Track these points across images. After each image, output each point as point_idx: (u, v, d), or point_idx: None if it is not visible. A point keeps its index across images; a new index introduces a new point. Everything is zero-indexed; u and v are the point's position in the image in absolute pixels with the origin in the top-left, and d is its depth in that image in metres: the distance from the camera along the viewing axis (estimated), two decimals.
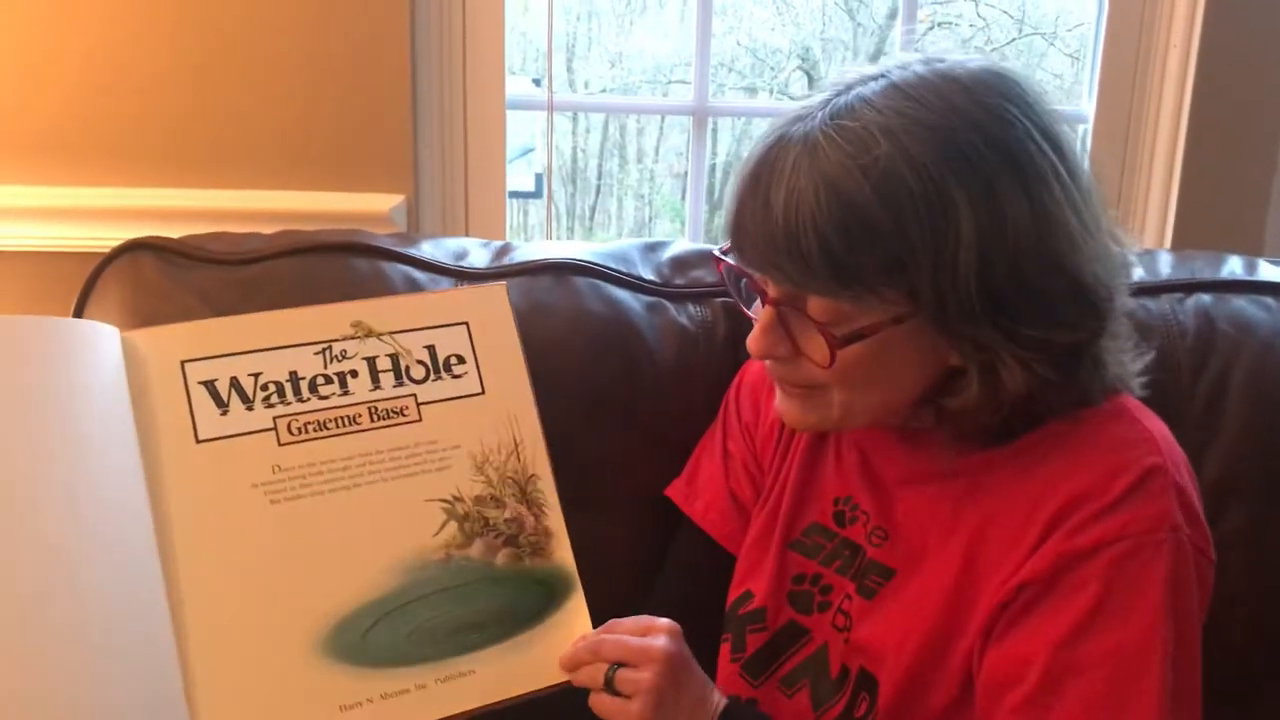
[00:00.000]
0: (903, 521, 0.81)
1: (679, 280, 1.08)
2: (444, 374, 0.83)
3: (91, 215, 1.22)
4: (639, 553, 0.99)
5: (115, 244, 1.04)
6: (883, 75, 0.72)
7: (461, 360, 0.84)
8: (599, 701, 0.76)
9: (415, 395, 0.82)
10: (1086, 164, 0.74)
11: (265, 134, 1.24)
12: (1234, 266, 1.07)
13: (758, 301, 0.79)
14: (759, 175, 0.72)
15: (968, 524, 0.76)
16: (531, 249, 1.07)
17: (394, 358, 0.83)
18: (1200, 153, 1.35)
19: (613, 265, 1.06)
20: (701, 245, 1.13)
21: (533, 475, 0.83)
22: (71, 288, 1.03)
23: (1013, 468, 0.76)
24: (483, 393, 0.84)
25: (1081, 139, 1.41)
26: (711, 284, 1.08)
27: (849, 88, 0.72)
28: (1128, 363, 0.79)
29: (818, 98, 0.73)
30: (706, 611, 0.91)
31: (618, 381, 1.01)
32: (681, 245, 1.13)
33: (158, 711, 0.69)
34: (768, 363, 0.78)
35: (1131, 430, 0.74)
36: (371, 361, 0.82)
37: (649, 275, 1.08)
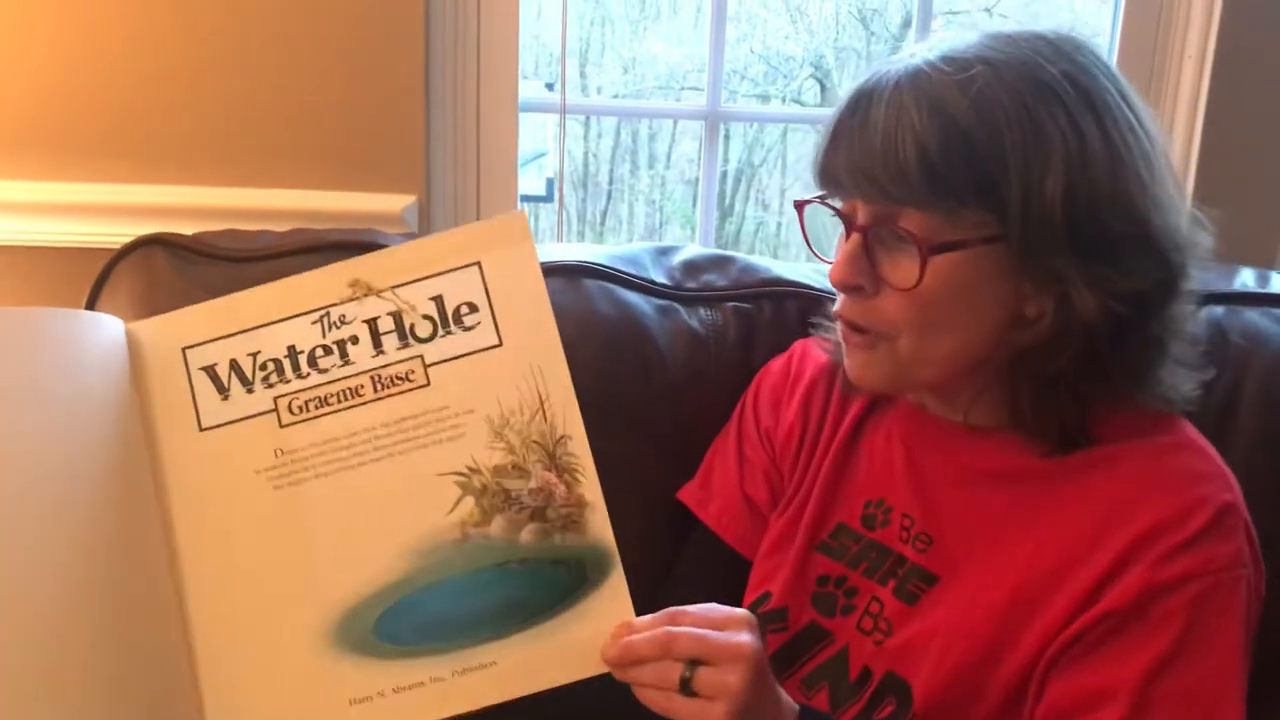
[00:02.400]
0: (949, 525, 0.81)
1: (690, 284, 1.08)
2: (454, 327, 0.74)
3: (104, 211, 1.23)
4: (649, 555, 0.98)
5: (127, 240, 1.05)
6: (973, 27, 0.77)
7: (474, 309, 0.75)
8: (672, 703, 0.68)
9: (422, 356, 0.74)
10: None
11: (278, 132, 1.25)
12: (1246, 278, 1.07)
13: (837, 244, 0.80)
14: (858, 101, 0.75)
15: (1022, 535, 0.77)
16: (543, 251, 1.07)
17: (396, 316, 0.74)
18: (1214, 164, 1.35)
19: (624, 268, 1.06)
20: (713, 250, 1.13)
21: (563, 437, 0.73)
22: (84, 283, 1.03)
23: (1073, 484, 0.76)
24: (500, 344, 0.74)
25: None
26: (723, 288, 1.08)
27: (944, 40, 0.76)
28: (1184, 377, 0.79)
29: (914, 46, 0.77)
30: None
31: (629, 385, 1.01)
32: (693, 249, 1.13)
33: (163, 706, 0.68)
34: (842, 305, 0.78)
35: (1207, 464, 0.75)
36: (373, 324, 0.74)
37: (660, 278, 1.08)
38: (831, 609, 0.85)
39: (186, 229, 1.06)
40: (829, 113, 0.78)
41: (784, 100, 3.49)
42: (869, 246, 0.75)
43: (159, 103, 1.24)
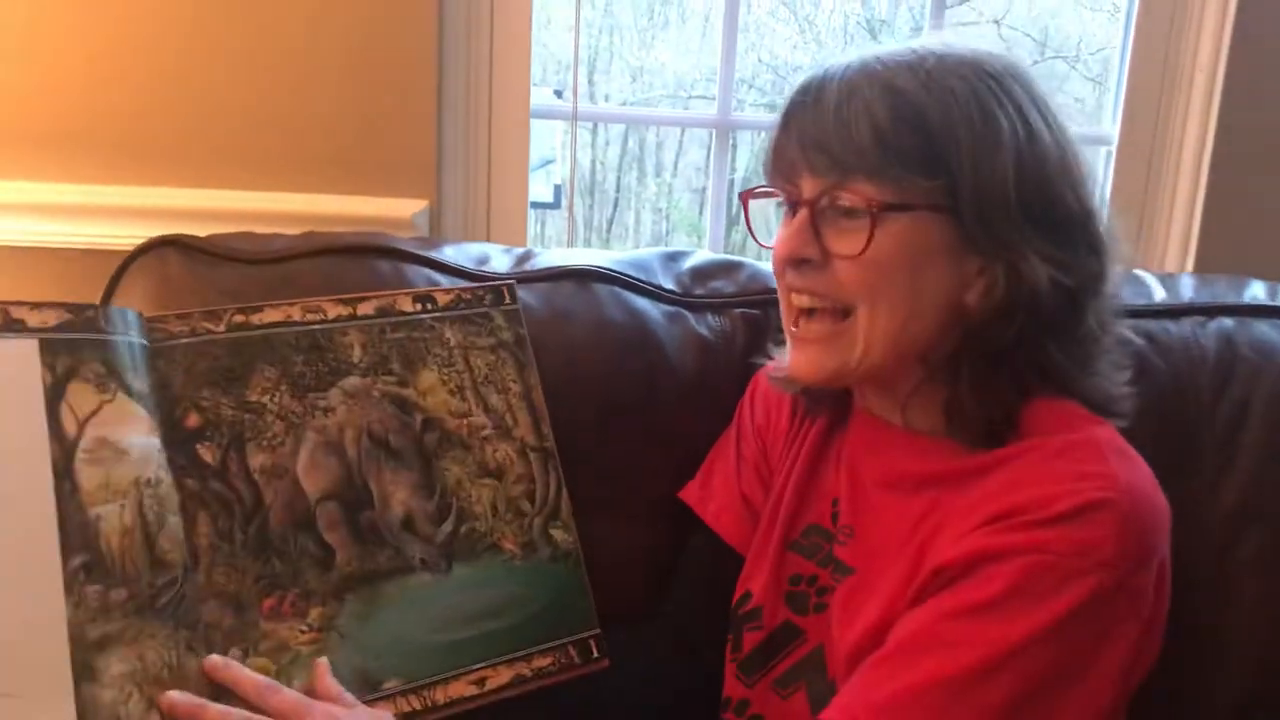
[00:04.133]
0: (870, 523, 0.83)
1: (699, 290, 1.08)
2: None
3: (117, 213, 1.23)
4: (653, 556, 1.00)
5: (138, 242, 1.05)
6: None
7: None
8: None
9: None
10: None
11: (292, 136, 1.25)
12: (1256, 291, 1.07)
13: (779, 230, 0.82)
14: (808, 87, 0.78)
15: (928, 538, 0.77)
16: (553, 255, 1.08)
17: None
18: (1224, 176, 1.35)
19: (634, 273, 1.07)
20: (722, 256, 1.14)
21: None
22: (98, 284, 1.04)
23: (976, 483, 0.76)
24: None
25: (1105, 162, 1.41)
26: (731, 294, 1.08)
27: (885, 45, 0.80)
28: (1115, 374, 0.80)
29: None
30: (719, 614, 0.91)
31: (636, 389, 1.01)
32: (702, 255, 1.13)
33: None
34: (790, 279, 0.79)
35: (1096, 466, 0.73)
36: None
37: (669, 285, 1.08)
38: (804, 607, 0.86)
39: (199, 232, 1.06)
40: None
41: None
42: (815, 220, 0.77)
43: (174, 106, 1.24)
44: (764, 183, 0.82)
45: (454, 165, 1.31)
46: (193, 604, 0.73)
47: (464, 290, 0.90)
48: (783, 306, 0.83)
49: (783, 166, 0.79)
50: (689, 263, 1.11)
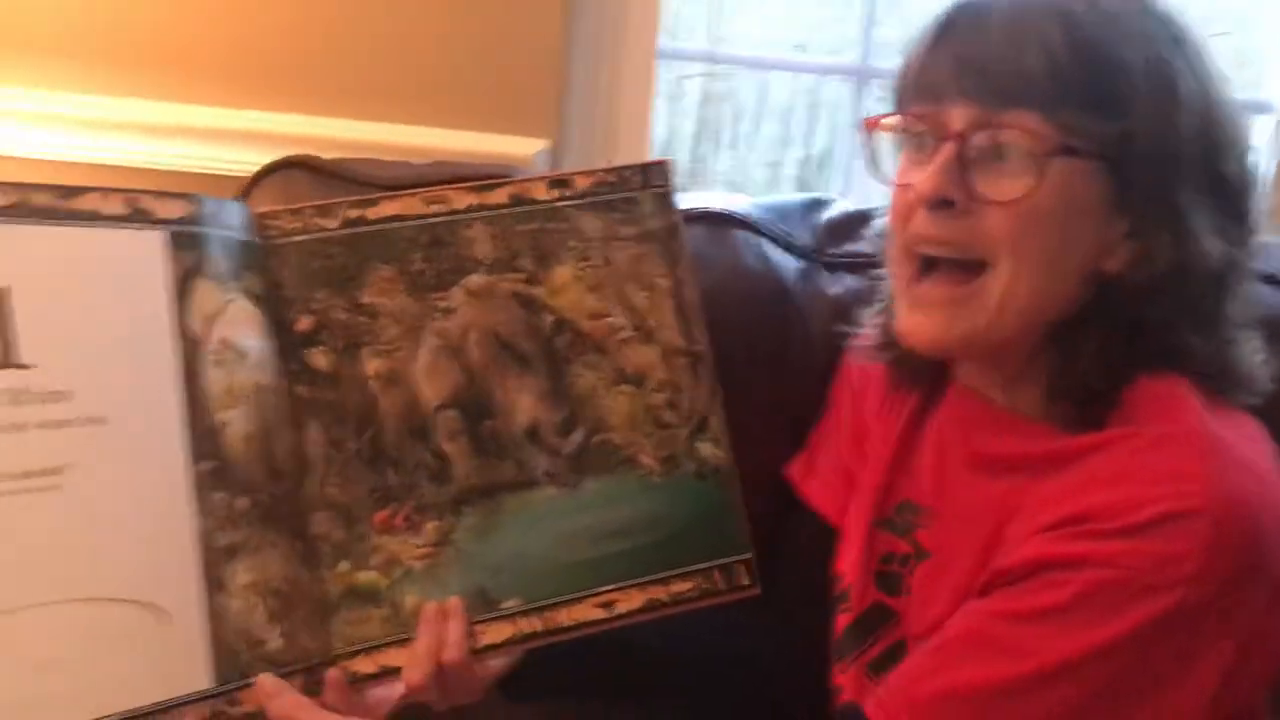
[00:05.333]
0: (952, 506, 0.77)
1: (833, 248, 1.02)
2: None
3: (232, 136, 1.22)
4: (760, 527, 0.93)
5: (253, 169, 1.03)
6: None
7: None
8: None
9: None
10: None
11: (412, 67, 1.23)
12: None
13: (899, 167, 0.73)
14: (965, 6, 0.70)
15: (1002, 516, 0.72)
16: (689, 197, 1.03)
17: None
18: None
19: (772, 221, 1.01)
20: (865, 207, 1.07)
21: None
22: None
23: (1063, 472, 0.70)
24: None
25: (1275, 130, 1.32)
26: (870, 256, 1.02)
27: None
28: (1247, 358, 0.72)
29: None
30: (821, 597, 0.86)
31: (767, 347, 0.95)
32: (843, 206, 1.06)
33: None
34: (921, 226, 0.70)
35: (1189, 466, 0.64)
36: None
37: (805, 237, 1.02)
38: (897, 587, 0.80)
39: None
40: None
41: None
42: (963, 156, 0.68)
43: (297, 31, 1.22)
44: (892, 110, 0.73)
45: (578, 104, 1.27)
46: (304, 515, 0.70)
47: (609, 171, 0.80)
48: (896, 259, 0.74)
49: (927, 91, 0.70)
50: (828, 214, 1.05)
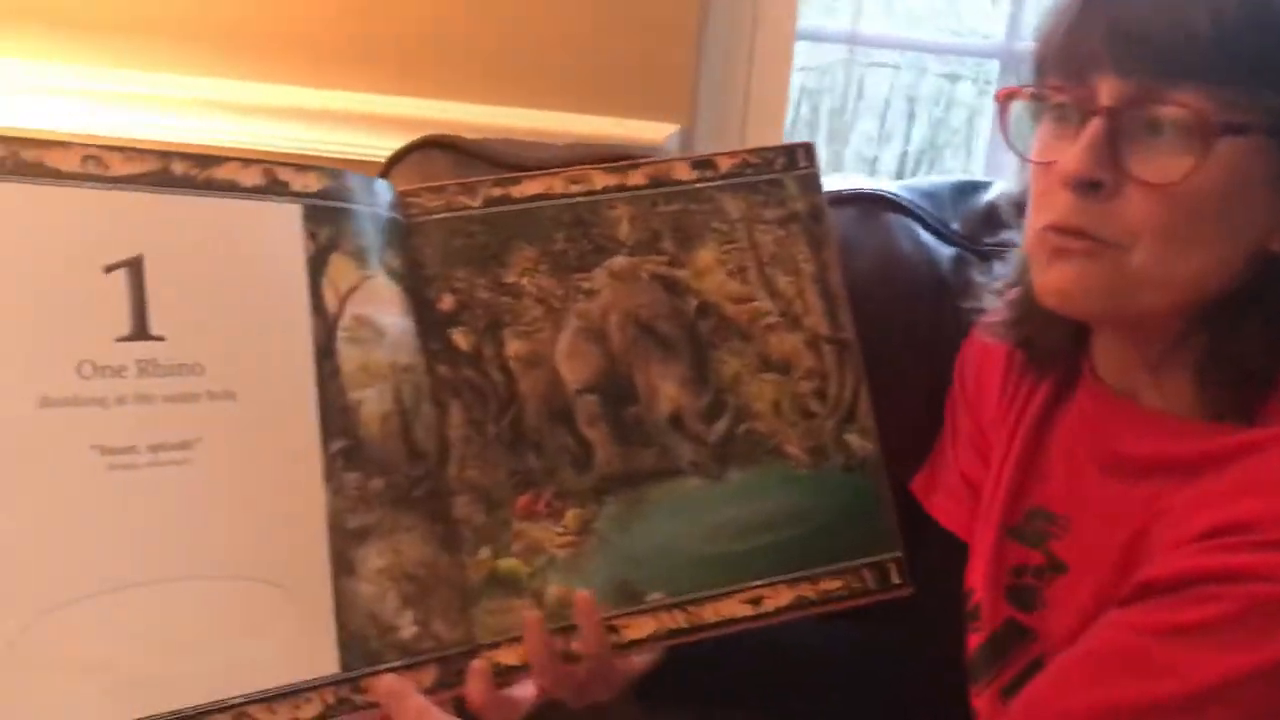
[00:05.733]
0: (1087, 514, 0.71)
1: (988, 236, 0.95)
2: None
3: (370, 121, 1.22)
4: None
5: (387, 154, 1.02)
6: None
7: None
8: None
9: None
10: None
11: (546, 52, 1.21)
12: None
13: (1035, 143, 0.67)
14: None
15: (1144, 522, 0.65)
16: (837, 177, 0.98)
17: None
18: None
19: (925, 205, 0.95)
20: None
21: None
22: None
23: (1213, 475, 0.63)
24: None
25: None
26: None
27: None
28: None
29: None
30: (952, 617, 0.80)
31: (918, 340, 0.90)
32: (998, 189, 1.00)
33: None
34: (1062, 212, 0.64)
35: None
36: None
37: (956, 224, 0.96)
38: (1030, 602, 0.74)
39: None
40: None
41: (975, 81, 3.29)
42: (1113, 133, 0.61)
43: (437, 17, 1.21)
44: (1032, 80, 0.66)
45: (711, 88, 1.23)
46: (444, 498, 0.67)
47: (751, 153, 0.78)
48: (1033, 237, 0.67)
49: (1074, 60, 0.63)
50: (983, 199, 0.98)
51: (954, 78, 3.32)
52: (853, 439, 0.75)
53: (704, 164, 0.76)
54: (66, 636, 0.54)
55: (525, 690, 0.69)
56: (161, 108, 1.25)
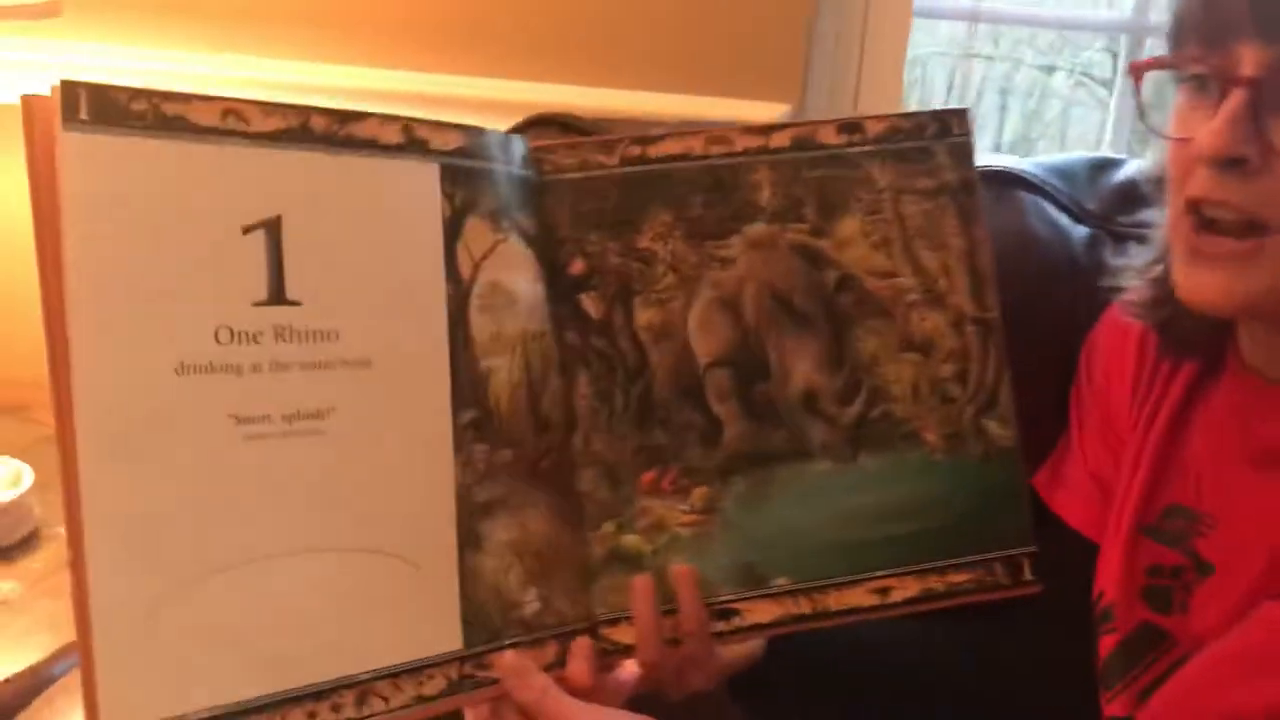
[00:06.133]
0: (1235, 510, 0.68)
1: (1124, 216, 0.91)
2: None
3: (479, 106, 1.22)
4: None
5: None
6: None
7: None
8: None
9: None
10: None
11: (651, 32, 1.20)
12: None
13: (1173, 119, 0.63)
14: None
15: None
16: None
17: None
18: None
19: (1056, 183, 0.92)
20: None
21: None
22: None
23: None
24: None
25: None
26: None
27: None
28: None
29: None
30: (1078, 621, 0.76)
31: (1053, 327, 0.85)
32: (1135, 168, 0.95)
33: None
34: (1204, 186, 0.60)
35: None
36: None
37: (1090, 203, 0.92)
38: (1167, 605, 0.70)
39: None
40: None
41: (1071, 73, 3.18)
42: (1257, 105, 0.57)
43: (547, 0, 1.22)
44: (1168, 51, 0.62)
45: (822, 67, 1.20)
46: (569, 471, 0.66)
47: (902, 117, 0.73)
48: (1173, 216, 0.64)
49: (1213, 27, 0.59)
50: (1119, 176, 0.94)
51: (1049, 69, 3.24)
52: (992, 426, 0.72)
53: (852, 127, 0.72)
54: (203, 608, 0.53)
55: (627, 673, 0.68)
56: (268, 95, 1.26)
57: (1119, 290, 0.78)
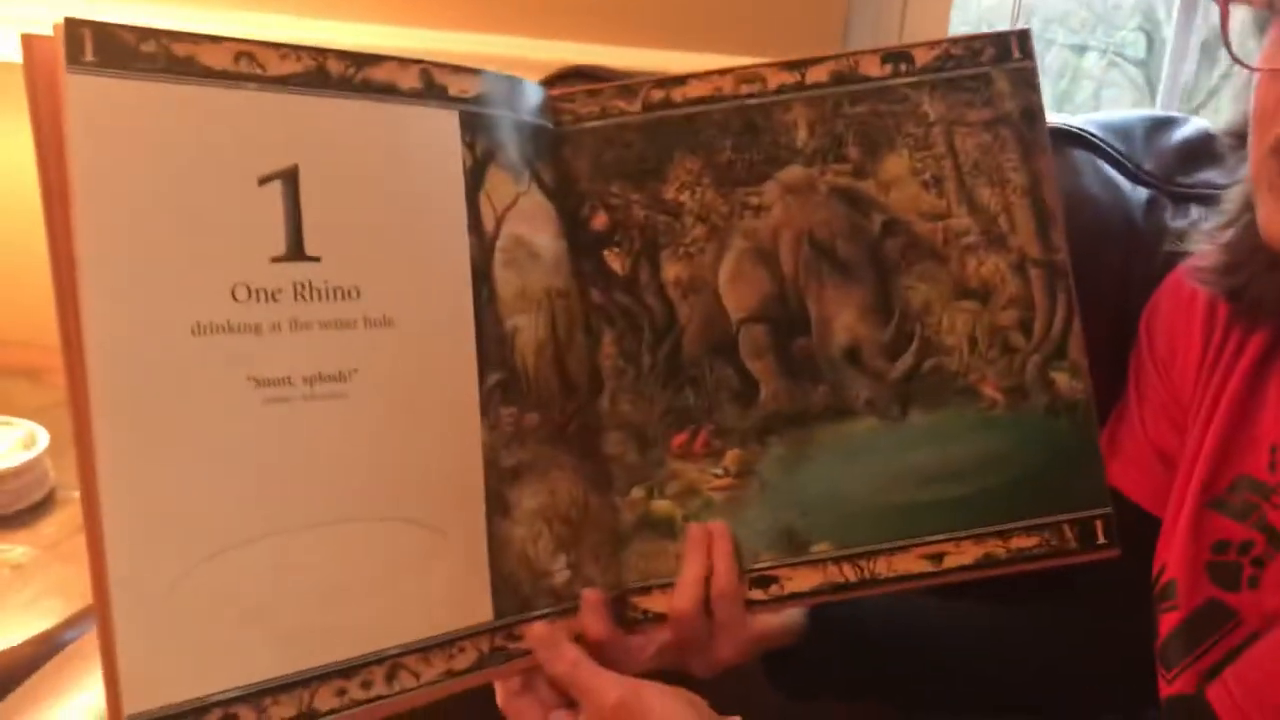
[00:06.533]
0: None
1: (1184, 176, 0.87)
2: None
3: (507, 64, 1.15)
4: None
5: None
6: None
7: None
8: None
9: None
10: None
11: None
12: None
13: (1264, 52, 0.59)
14: None
15: None
16: None
17: None
18: None
19: (1113, 141, 0.88)
20: (1220, 127, 0.91)
21: None
22: None
23: None
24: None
25: None
26: (1224, 188, 0.86)
27: None
28: None
29: None
30: (1134, 588, 0.73)
31: (1107, 290, 0.81)
32: (1195, 127, 0.91)
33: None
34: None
35: None
36: None
37: (1148, 163, 0.88)
38: (1235, 581, 0.67)
39: None
40: None
41: (1104, 53, 3.09)
42: None
43: None
44: None
45: (863, 25, 1.15)
46: (595, 434, 0.63)
47: (954, 43, 0.67)
48: (1260, 158, 0.60)
49: None
50: (1178, 134, 0.90)
51: (1081, 49, 3.16)
52: (1060, 378, 0.67)
53: (898, 56, 0.67)
54: (226, 582, 0.50)
55: (647, 643, 0.66)
56: None
57: (1180, 255, 0.74)
